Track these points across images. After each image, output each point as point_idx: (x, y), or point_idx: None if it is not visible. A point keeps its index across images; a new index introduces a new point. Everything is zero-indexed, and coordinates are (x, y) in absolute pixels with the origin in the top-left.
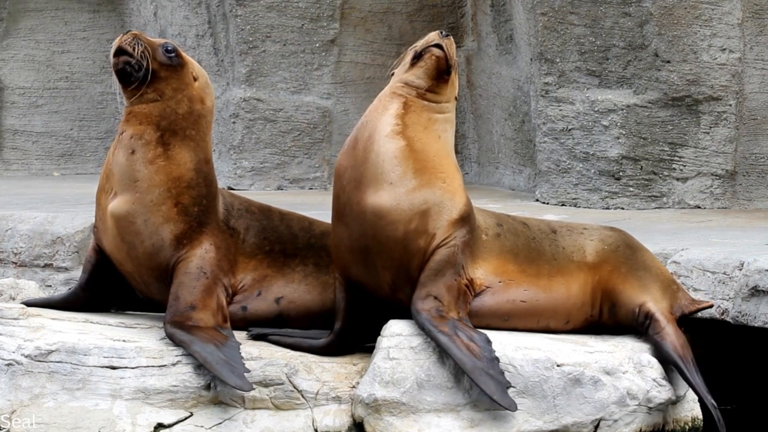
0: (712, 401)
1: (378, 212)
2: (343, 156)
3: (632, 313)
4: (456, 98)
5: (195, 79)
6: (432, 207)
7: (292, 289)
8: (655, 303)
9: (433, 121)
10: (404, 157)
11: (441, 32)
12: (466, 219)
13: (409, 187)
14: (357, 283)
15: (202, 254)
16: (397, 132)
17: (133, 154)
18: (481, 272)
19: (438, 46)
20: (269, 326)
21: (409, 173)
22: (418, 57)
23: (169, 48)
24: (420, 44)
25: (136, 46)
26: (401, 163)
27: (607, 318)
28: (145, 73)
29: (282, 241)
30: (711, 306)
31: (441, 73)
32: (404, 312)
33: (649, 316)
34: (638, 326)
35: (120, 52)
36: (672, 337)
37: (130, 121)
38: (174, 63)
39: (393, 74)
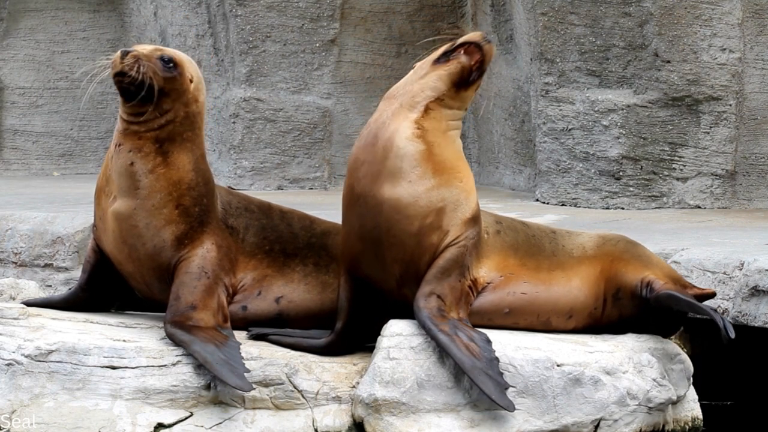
0: (717, 313)
1: (395, 206)
2: (360, 150)
3: (635, 288)
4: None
5: (191, 81)
6: (448, 204)
7: (292, 289)
8: (657, 277)
9: (450, 127)
10: (424, 159)
11: (485, 37)
12: (477, 219)
13: (428, 185)
14: (363, 277)
15: (204, 254)
16: (417, 135)
17: (132, 166)
18: (484, 270)
19: (478, 46)
20: (269, 326)
21: (429, 173)
22: (446, 55)
23: (166, 58)
24: (458, 41)
25: (140, 68)
26: (420, 165)
27: (611, 309)
28: (150, 95)
29: (282, 241)
30: (714, 294)
31: (463, 82)
32: (405, 312)
33: (650, 284)
34: (641, 301)
35: (120, 74)
36: (672, 287)
37: (127, 136)
38: (173, 74)
39: (414, 67)
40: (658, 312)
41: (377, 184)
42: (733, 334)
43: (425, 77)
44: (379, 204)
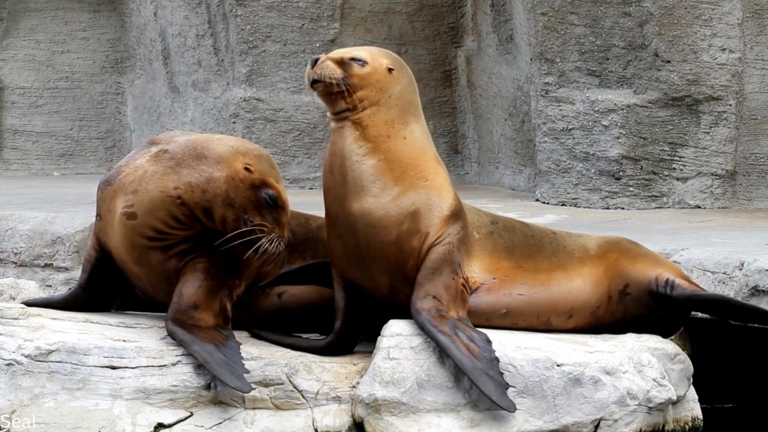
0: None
1: (368, 221)
2: (324, 178)
3: (648, 285)
4: (390, 69)
5: None
6: (421, 207)
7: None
8: (671, 274)
9: (391, 122)
10: (380, 172)
11: (310, 63)
12: (458, 215)
13: (392, 195)
14: (355, 285)
15: (209, 256)
16: (364, 153)
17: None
18: (475, 270)
19: (315, 82)
20: (271, 320)
21: (390, 183)
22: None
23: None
24: (306, 85)
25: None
26: (379, 177)
27: (615, 307)
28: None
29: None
30: None
31: (339, 93)
32: (404, 312)
33: (669, 282)
34: (656, 298)
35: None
36: (701, 287)
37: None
38: None
39: None
40: (674, 310)
41: (346, 204)
42: None
43: (327, 110)
44: (352, 223)
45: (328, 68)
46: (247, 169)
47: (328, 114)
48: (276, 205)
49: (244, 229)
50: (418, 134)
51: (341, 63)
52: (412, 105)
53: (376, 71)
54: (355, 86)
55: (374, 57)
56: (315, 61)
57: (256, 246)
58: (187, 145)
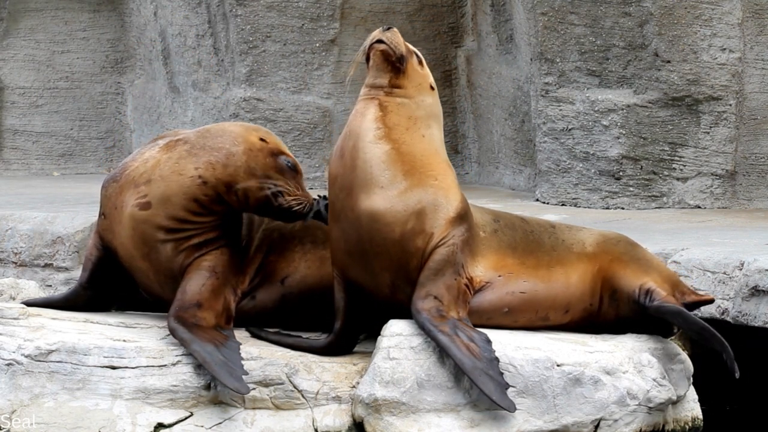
0: (723, 340)
1: (372, 216)
2: (332, 164)
3: (633, 294)
4: (432, 87)
5: None
6: (427, 206)
7: (293, 269)
8: (655, 284)
9: (414, 119)
10: (391, 160)
11: (383, 28)
12: (463, 217)
13: (400, 189)
14: (356, 284)
15: (217, 254)
16: (380, 137)
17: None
18: (480, 269)
19: (379, 41)
20: (274, 309)
21: (399, 176)
22: (368, 59)
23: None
24: (365, 44)
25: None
26: (389, 167)
27: (607, 308)
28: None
29: (280, 227)
30: (713, 300)
31: (392, 65)
32: (404, 312)
33: (649, 292)
34: (639, 307)
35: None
36: (673, 301)
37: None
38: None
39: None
40: (657, 318)
41: (352, 196)
42: (737, 374)
43: (366, 81)
44: (357, 217)
45: (398, 39)
46: (262, 140)
47: (365, 84)
48: (295, 170)
49: (269, 192)
50: (436, 138)
51: (406, 47)
52: (437, 117)
53: (424, 77)
54: (405, 72)
55: (427, 68)
56: (388, 28)
57: (288, 205)
58: (200, 132)
